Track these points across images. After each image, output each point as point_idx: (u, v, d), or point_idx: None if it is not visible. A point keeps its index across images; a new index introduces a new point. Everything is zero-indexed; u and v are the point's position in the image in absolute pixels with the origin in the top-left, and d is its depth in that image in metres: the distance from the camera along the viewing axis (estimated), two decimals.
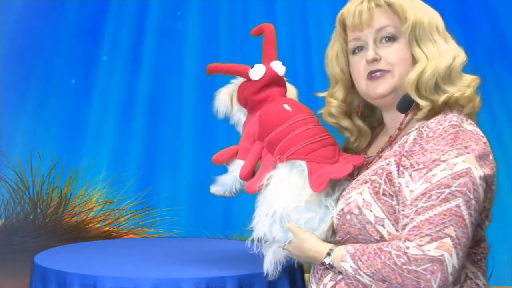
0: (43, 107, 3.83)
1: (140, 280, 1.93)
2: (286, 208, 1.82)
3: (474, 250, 1.77)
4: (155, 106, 3.84)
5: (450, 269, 1.61)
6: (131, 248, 2.43)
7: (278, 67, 1.93)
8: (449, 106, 1.77)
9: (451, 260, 1.61)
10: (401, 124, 1.83)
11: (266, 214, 1.83)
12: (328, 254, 1.77)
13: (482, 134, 1.75)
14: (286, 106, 1.90)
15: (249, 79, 1.93)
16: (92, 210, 3.79)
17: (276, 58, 1.95)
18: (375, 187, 1.74)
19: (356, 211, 1.74)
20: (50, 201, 3.78)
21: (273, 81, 1.93)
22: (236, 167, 1.92)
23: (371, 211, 1.73)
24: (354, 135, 1.94)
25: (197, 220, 3.73)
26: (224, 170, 1.97)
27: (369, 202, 1.73)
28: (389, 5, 1.79)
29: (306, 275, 2.10)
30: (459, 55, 1.79)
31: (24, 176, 3.78)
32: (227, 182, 1.94)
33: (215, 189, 1.97)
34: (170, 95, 3.83)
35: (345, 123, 1.93)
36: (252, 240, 1.87)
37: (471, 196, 1.65)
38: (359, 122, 1.94)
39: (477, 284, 1.77)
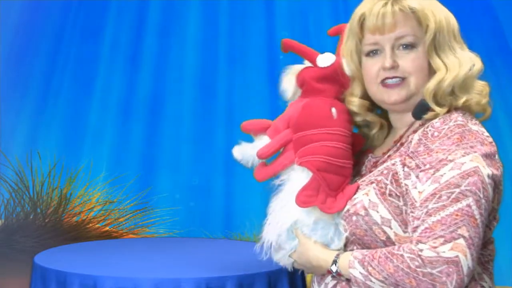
0: (43, 107, 3.83)
1: (140, 280, 1.93)
2: (300, 221, 1.78)
3: (482, 251, 1.75)
4: (155, 106, 3.84)
5: (465, 270, 1.58)
6: (131, 248, 2.44)
7: (346, 66, 1.84)
8: (456, 108, 1.75)
9: (466, 261, 1.58)
10: (410, 126, 1.80)
11: (278, 223, 1.79)
12: (334, 262, 1.73)
13: (488, 135, 1.73)
14: (333, 111, 1.83)
15: (315, 65, 1.86)
16: (92, 210, 3.79)
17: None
18: (381, 187, 1.72)
19: (362, 212, 1.72)
20: (50, 201, 3.78)
21: (337, 76, 1.85)
22: (261, 143, 1.83)
23: (377, 212, 1.70)
24: (375, 129, 1.88)
25: (197, 220, 3.73)
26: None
27: (376, 203, 1.71)
28: (413, 12, 1.74)
29: (307, 275, 2.09)
30: (476, 64, 1.77)
31: (24, 176, 3.78)
32: (247, 153, 1.84)
33: (235, 152, 1.86)
34: (170, 95, 3.83)
35: (370, 117, 1.86)
36: (261, 245, 1.82)
37: (481, 195, 1.62)
38: (380, 117, 1.89)
39: (482, 286, 1.75)
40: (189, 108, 3.81)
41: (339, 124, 1.82)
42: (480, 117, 1.79)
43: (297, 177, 1.79)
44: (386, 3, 1.75)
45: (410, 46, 1.75)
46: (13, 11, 3.79)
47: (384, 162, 1.79)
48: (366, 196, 1.73)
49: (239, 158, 1.86)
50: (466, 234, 1.59)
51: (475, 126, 1.72)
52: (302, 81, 1.87)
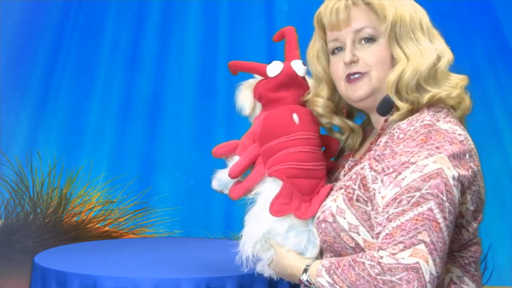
0: (43, 107, 3.83)
1: (140, 280, 1.93)
2: (272, 231, 1.76)
3: (462, 253, 1.70)
4: (155, 106, 3.84)
5: (427, 277, 1.51)
6: (131, 248, 2.43)
7: (298, 66, 1.83)
8: (430, 105, 1.69)
9: (428, 267, 1.52)
10: (381, 128, 1.76)
11: (251, 234, 1.78)
12: (305, 270, 1.70)
13: (461, 133, 1.65)
14: (294, 117, 1.80)
15: (266, 76, 1.84)
16: (92, 210, 3.79)
17: (298, 57, 1.86)
18: (349, 193, 1.67)
19: (330, 219, 1.68)
20: (50, 201, 3.78)
21: (290, 81, 1.82)
22: (232, 163, 1.84)
23: (344, 218, 1.66)
24: (345, 134, 1.85)
25: (197, 220, 3.72)
26: (220, 167, 1.92)
27: (343, 209, 1.66)
28: (367, 3, 1.70)
29: None
30: (445, 55, 1.69)
31: (24, 176, 3.78)
32: (222, 178, 1.85)
33: (213, 184, 1.88)
34: (170, 95, 3.83)
35: (337, 121, 1.83)
36: (240, 258, 1.81)
37: (444, 198, 1.55)
38: (349, 121, 1.85)
39: None
40: (189, 108, 3.81)
41: (303, 128, 1.79)
42: (459, 112, 1.72)
43: (268, 188, 1.77)
44: None
45: (370, 40, 1.71)
46: (13, 11, 3.79)
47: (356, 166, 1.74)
48: (334, 203, 1.69)
49: (216, 187, 1.87)
50: (427, 239, 1.52)
51: (446, 125, 1.65)
52: (258, 96, 1.85)
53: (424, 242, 1.52)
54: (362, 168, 1.68)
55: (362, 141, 1.87)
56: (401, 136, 1.64)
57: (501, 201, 3.34)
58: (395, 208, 1.55)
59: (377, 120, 1.78)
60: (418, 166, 1.56)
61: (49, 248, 2.40)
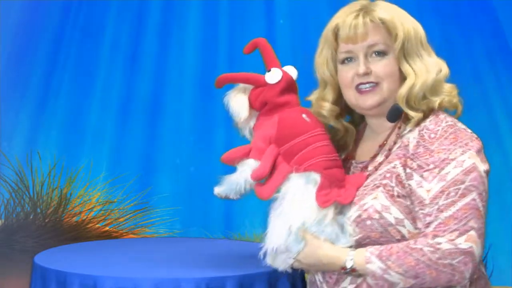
0: (43, 107, 3.82)
1: (140, 280, 1.93)
2: (306, 221, 1.84)
3: None
4: (155, 106, 3.83)
5: (477, 259, 1.76)
6: (131, 248, 2.44)
7: (292, 71, 1.97)
8: (436, 110, 1.90)
9: (478, 250, 1.75)
10: (390, 133, 1.94)
11: (284, 227, 1.84)
12: (349, 258, 1.82)
13: (471, 131, 1.88)
14: (304, 117, 1.93)
15: (265, 85, 1.93)
16: (92, 210, 3.79)
17: (280, 64, 1.97)
18: (389, 190, 1.84)
19: (376, 216, 1.83)
20: (50, 201, 3.78)
21: (289, 85, 1.95)
22: (246, 167, 1.91)
23: (390, 213, 1.82)
24: (340, 135, 2.02)
25: (197, 220, 3.72)
26: (223, 171, 1.95)
27: (387, 206, 1.83)
28: (383, 22, 1.90)
29: (307, 275, 2.09)
30: (443, 68, 1.92)
31: (24, 176, 3.78)
32: (235, 182, 1.92)
33: (219, 189, 1.95)
34: (170, 95, 3.83)
35: (335, 123, 2.01)
36: (264, 252, 1.88)
37: (481, 189, 1.78)
38: (345, 122, 2.03)
39: (481, 271, 1.90)
40: (189, 108, 3.81)
41: (315, 125, 1.93)
42: (454, 115, 1.94)
43: (295, 184, 1.86)
44: (357, 15, 1.91)
45: (382, 53, 1.91)
46: (13, 11, 3.78)
47: (379, 166, 1.90)
48: (376, 200, 1.84)
49: (226, 193, 1.94)
50: (476, 226, 1.75)
51: (461, 124, 1.88)
52: (263, 102, 1.94)
53: (474, 229, 1.75)
54: (394, 167, 1.86)
55: (356, 142, 2.04)
56: (432, 135, 1.84)
57: (501, 201, 3.35)
58: (444, 200, 1.76)
59: (379, 124, 1.97)
60: (458, 162, 1.79)
61: (49, 248, 2.40)
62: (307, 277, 2.07)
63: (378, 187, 1.86)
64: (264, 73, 1.97)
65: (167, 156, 3.81)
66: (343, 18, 1.93)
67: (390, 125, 1.95)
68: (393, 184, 1.84)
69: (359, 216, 1.84)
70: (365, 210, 1.84)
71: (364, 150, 2.00)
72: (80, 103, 3.82)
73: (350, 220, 1.85)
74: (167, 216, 3.77)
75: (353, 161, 1.99)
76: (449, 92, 1.91)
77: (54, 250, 2.39)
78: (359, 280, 1.83)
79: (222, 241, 2.82)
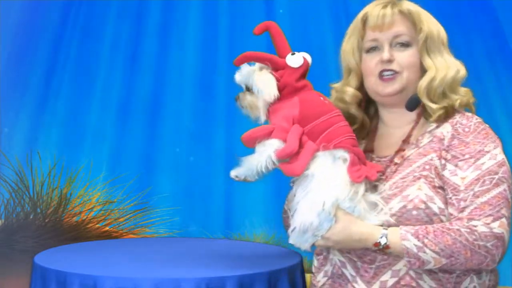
0: (43, 107, 3.82)
1: (140, 280, 1.93)
2: (339, 197, 1.86)
3: None
4: (155, 106, 3.84)
5: (506, 244, 1.85)
6: (131, 248, 2.44)
7: (309, 58, 2.00)
8: (458, 109, 1.98)
9: (507, 237, 1.85)
10: (415, 125, 2.00)
11: (315, 204, 1.85)
12: (383, 234, 1.85)
13: None
14: (322, 99, 1.98)
15: (284, 68, 1.96)
16: (92, 210, 3.79)
17: (291, 49, 2.00)
18: (431, 181, 1.90)
19: (422, 206, 1.88)
20: (50, 201, 3.78)
21: (306, 71, 1.99)
22: (268, 147, 1.90)
23: (435, 203, 1.88)
24: (356, 125, 2.07)
25: (197, 220, 3.73)
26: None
27: (431, 196, 1.89)
28: (410, 13, 1.99)
29: (307, 275, 2.09)
30: (461, 70, 2.00)
31: (24, 176, 3.78)
32: (256, 162, 1.90)
33: (238, 171, 1.93)
34: (170, 95, 3.83)
35: (355, 111, 2.06)
36: (293, 229, 1.88)
37: (510, 182, 1.90)
38: (363, 114, 2.09)
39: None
40: (189, 108, 3.81)
41: (332, 107, 1.97)
42: None
43: (322, 162, 1.89)
44: (386, 5, 2.00)
45: (405, 44, 1.99)
46: (13, 11, 3.79)
47: (412, 160, 1.95)
48: (420, 191, 1.90)
49: (245, 174, 1.93)
50: (506, 214, 1.85)
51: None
52: (283, 85, 1.96)
53: (505, 216, 1.85)
54: (431, 160, 1.93)
55: (371, 138, 2.08)
56: (466, 129, 1.93)
57: None
58: (480, 187, 1.86)
59: (394, 117, 2.03)
60: (492, 154, 1.90)
61: (49, 248, 2.40)
62: (307, 277, 2.06)
63: (419, 178, 1.92)
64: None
65: (167, 156, 3.81)
66: (372, 7, 2.02)
67: (404, 120, 2.02)
68: (433, 176, 1.91)
69: (404, 206, 1.89)
70: (411, 200, 1.89)
71: (382, 145, 2.05)
72: (80, 103, 3.83)
73: (392, 211, 1.88)
74: (167, 216, 3.77)
75: (374, 156, 2.03)
76: (465, 94, 1.99)
77: (54, 250, 2.39)
78: (402, 273, 1.86)
79: (222, 241, 2.82)
